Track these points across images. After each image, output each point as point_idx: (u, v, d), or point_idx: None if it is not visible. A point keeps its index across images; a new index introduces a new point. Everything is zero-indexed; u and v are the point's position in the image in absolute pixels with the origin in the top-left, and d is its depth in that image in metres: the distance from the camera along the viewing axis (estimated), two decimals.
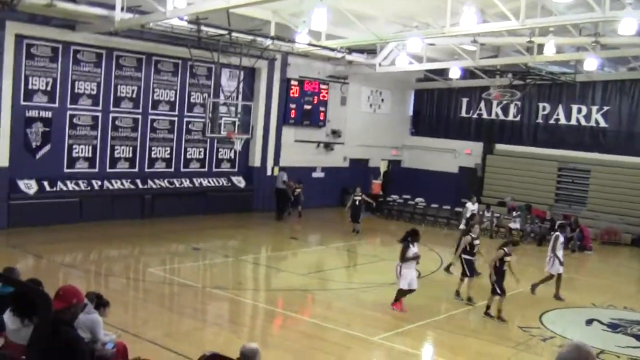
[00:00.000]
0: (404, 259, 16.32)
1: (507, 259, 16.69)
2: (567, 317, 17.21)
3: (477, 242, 18.24)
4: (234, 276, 19.68)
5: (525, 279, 21.41)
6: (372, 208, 33.45)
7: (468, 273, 17.92)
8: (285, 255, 23.47)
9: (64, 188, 24.46)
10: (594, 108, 33.77)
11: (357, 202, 27.79)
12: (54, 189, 24.17)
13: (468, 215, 27.34)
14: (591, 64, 27.92)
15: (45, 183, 24.02)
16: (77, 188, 24.79)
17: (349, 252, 24.24)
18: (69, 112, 24.80)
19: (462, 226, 27.13)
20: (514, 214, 29.95)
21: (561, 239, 19.47)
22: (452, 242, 27.68)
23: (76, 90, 24.90)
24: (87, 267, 19.20)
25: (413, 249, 16.50)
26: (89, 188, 25.11)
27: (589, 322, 16.70)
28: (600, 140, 33.70)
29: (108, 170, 26.14)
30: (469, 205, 28.91)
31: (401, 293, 16.45)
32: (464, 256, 18.06)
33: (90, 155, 25.60)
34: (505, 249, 16.73)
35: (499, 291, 16.39)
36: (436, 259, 23.43)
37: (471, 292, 17.79)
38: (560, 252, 19.04)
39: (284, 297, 17.63)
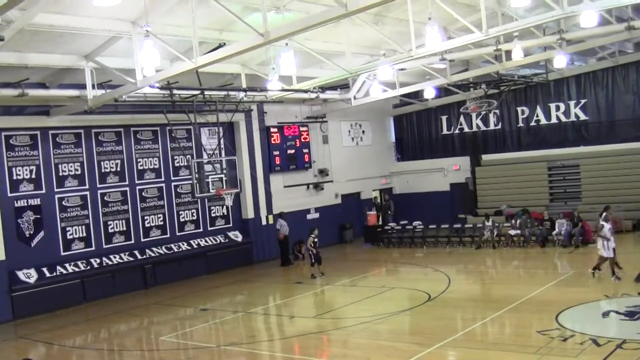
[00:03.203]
0: None
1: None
2: (583, 313, 17.17)
3: None
4: (246, 330, 19.54)
5: (535, 283, 21.50)
6: (372, 239, 33.56)
7: None
8: (293, 300, 23.34)
9: (64, 271, 24.36)
10: (572, 103, 34.12)
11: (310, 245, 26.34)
12: (54, 274, 24.07)
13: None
14: (560, 61, 28.26)
15: (45, 269, 23.93)
16: (76, 269, 24.69)
17: (356, 286, 24.14)
18: (57, 196, 24.84)
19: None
20: (513, 221, 29.93)
21: None
22: (456, 260, 27.82)
23: (60, 174, 24.97)
24: (99, 346, 19.01)
25: None
26: (88, 267, 25.02)
27: (606, 314, 16.66)
28: (584, 133, 34.00)
29: (105, 246, 26.07)
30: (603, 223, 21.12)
31: None
32: None
33: (84, 234, 25.55)
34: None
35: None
36: (443, 279, 23.34)
37: None
38: None
39: (299, 342, 17.49)
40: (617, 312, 16.58)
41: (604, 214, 21.38)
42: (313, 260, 25.97)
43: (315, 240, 25.91)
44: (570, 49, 27.50)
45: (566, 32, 24.32)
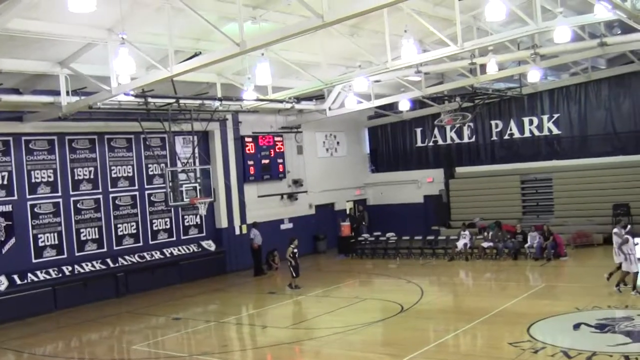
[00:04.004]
0: None
1: None
2: (555, 326, 17.29)
3: None
4: (218, 340, 19.44)
5: (506, 295, 21.66)
6: (345, 250, 33.60)
7: None
8: (266, 310, 23.30)
9: (35, 279, 24.14)
10: (545, 117, 34.40)
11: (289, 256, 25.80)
12: (25, 281, 23.83)
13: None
14: (534, 75, 28.58)
15: (16, 277, 23.67)
16: (48, 277, 24.48)
17: (329, 297, 24.14)
18: (29, 203, 24.63)
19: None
20: (486, 233, 30.07)
21: None
22: (429, 271, 27.91)
23: (33, 180, 24.78)
24: (70, 355, 18.85)
25: None
26: (60, 275, 24.81)
27: (577, 326, 16.76)
28: (556, 147, 34.29)
29: (77, 254, 25.87)
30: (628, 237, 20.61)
31: None
32: None
33: (56, 242, 25.35)
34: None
35: None
36: (416, 291, 23.40)
37: None
38: None
39: (271, 353, 17.46)
40: (588, 325, 16.72)
41: (628, 227, 21.38)
42: (293, 272, 25.63)
43: (295, 250, 25.74)
44: (544, 64, 27.77)
45: (540, 47, 24.54)
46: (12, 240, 24.13)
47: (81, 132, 26.10)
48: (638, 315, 17.23)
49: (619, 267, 20.52)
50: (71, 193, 25.91)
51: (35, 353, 19.02)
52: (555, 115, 34.15)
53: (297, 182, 34.99)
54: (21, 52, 19.38)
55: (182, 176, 25.03)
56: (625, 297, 19.67)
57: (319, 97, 31.46)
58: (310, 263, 31.68)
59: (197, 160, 27.19)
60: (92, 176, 26.60)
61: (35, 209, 24.87)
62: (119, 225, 27.47)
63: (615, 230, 20.94)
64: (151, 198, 28.68)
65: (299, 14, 17.59)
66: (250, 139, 32.56)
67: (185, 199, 24.82)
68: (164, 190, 26.62)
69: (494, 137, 36.20)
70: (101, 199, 26.89)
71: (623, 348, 14.56)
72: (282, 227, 34.04)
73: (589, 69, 32.20)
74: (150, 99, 23.63)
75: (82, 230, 26.22)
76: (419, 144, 38.82)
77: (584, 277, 23.85)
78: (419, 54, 21.56)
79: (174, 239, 29.47)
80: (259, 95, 25.61)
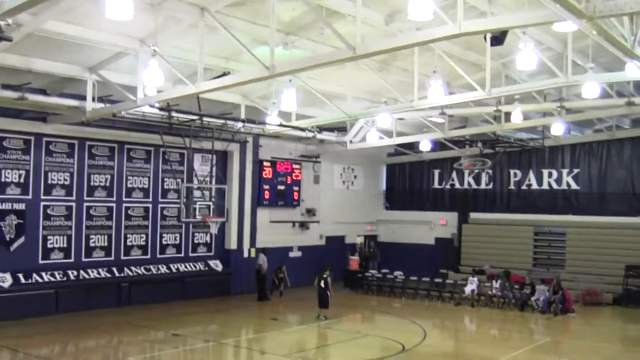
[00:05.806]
0: None
1: None
2: None
3: None
4: None
5: (509, 346, 21.44)
6: (352, 284, 33.40)
7: None
8: (266, 336, 23.19)
9: (40, 280, 24.13)
10: (564, 171, 34.31)
11: (322, 284, 25.74)
12: (29, 280, 23.83)
13: None
14: (558, 128, 28.48)
15: (20, 275, 23.67)
16: (52, 279, 24.47)
17: (331, 329, 23.99)
18: (42, 204, 24.71)
19: None
20: (494, 282, 29.80)
21: None
22: (434, 314, 27.71)
23: (49, 181, 24.88)
24: None
25: None
26: (64, 279, 24.80)
27: None
28: (573, 202, 34.15)
29: (84, 259, 25.88)
30: None
31: None
32: None
33: (65, 245, 25.39)
34: None
35: None
36: (419, 332, 23.19)
37: None
38: None
39: None
40: None
41: None
42: (329, 298, 25.33)
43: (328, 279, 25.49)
44: (569, 118, 27.67)
45: (567, 101, 24.49)
46: (22, 239, 24.16)
47: (102, 139, 26.22)
48: None
49: None
50: (85, 198, 25.99)
51: (31, 354, 18.92)
52: (575, 170, 34.06)
53: (310, 212, 34.95)
54: (53, 54, 19.53)
55: (197, 193, 25.12)
56: None
57: (341, 129, 31.49)
58: (315, 293, 31.50)
59: (213, 179, 27.22)
60: (107, 184, 26.68)
61: (48, 210, 24.94)
62: (128, 236, 27.48)
63: None
64: (164, 212, 28.70)
65: (330, 44, 17.70)
66: (268, 164, 32.61)
67: (197, 217, 24.85)
68: (177, 205, 26.56)
69: (512, 186, 36.12)
70: (114, 208, 26.95)
71: None
72: (291, 254, 33.98)
73: (613, 127, 32.12)
74: (174, 114, 23.71)
75: (91, 237, 26.25)
76: (436, 185, 38.78)
77: (589, 336, 23.62)
78: (445, 95, 21.57)
79: (182, 255, 29.43)
80: (282, 121, 25.68)
